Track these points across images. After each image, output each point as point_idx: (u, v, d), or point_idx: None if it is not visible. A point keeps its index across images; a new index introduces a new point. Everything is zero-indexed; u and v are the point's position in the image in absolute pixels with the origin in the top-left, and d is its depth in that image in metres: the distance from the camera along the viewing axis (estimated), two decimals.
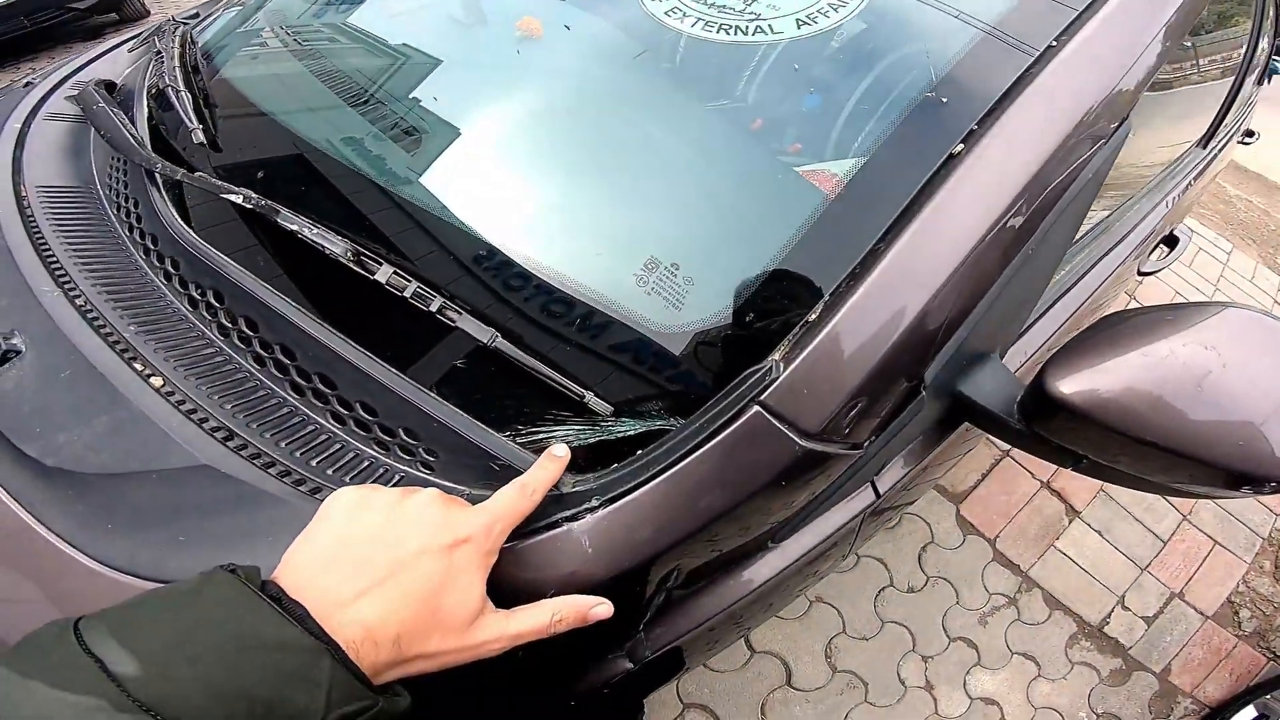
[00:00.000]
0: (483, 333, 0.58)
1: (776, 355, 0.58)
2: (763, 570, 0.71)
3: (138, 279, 0.76)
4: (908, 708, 1.87)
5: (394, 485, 0.59)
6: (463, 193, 0.72)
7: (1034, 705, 1.94)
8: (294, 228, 0.62)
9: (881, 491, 0.77)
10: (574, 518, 0.53)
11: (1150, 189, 1.37)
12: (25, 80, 1.15)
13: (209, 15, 1.17)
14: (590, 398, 0.58)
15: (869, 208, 0.64)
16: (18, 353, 0.65)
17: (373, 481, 0.59)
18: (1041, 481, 2.45)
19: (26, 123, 0.98)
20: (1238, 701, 1.96)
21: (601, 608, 0.46)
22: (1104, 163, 0.74)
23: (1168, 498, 2.51)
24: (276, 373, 0.67)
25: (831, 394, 0.56)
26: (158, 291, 0.74)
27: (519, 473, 0.52)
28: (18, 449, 0.60)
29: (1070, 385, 0.58)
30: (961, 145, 0.65)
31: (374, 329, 0.66)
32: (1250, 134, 2.32)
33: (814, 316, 0.59)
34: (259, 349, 0.68)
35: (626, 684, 0.67)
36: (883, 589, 2.07)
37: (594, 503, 0.54)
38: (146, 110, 0.90)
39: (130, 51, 1.17)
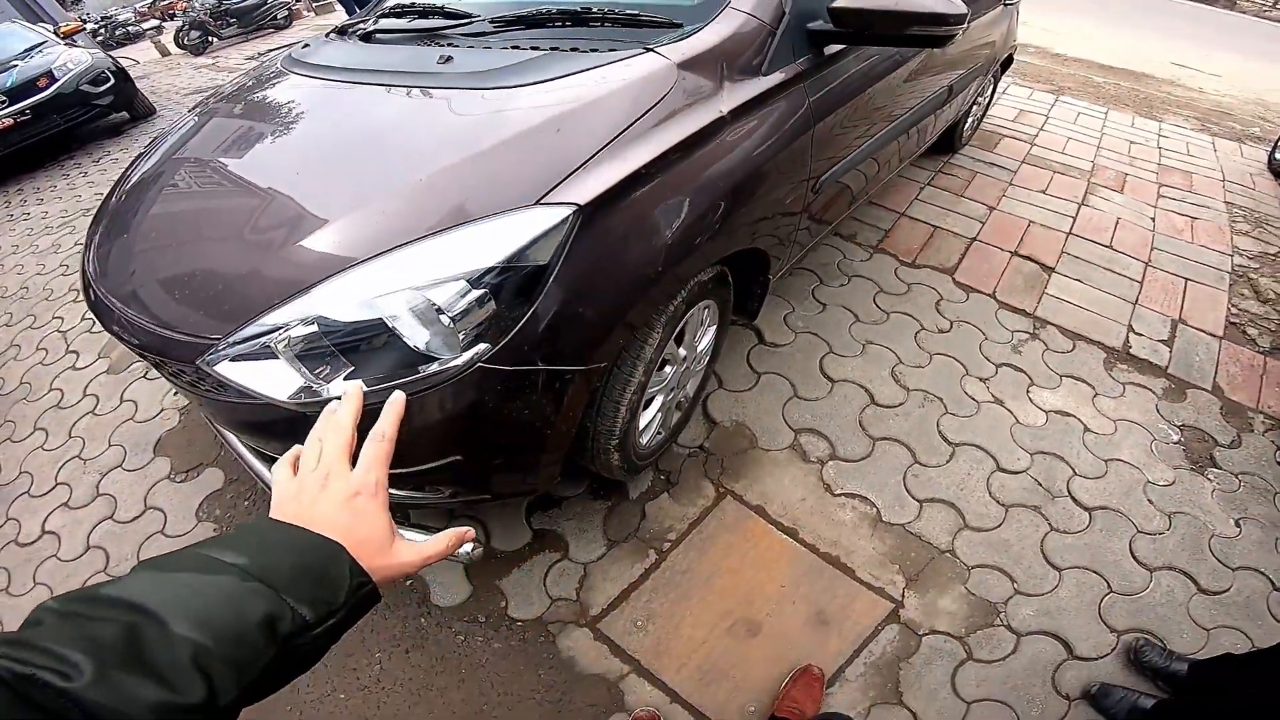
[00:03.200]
0: None
1: None
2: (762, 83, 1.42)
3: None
4: (988, 418, 2.06)
5: None
6: None
7: (1109, 418, 2.12)
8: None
9: (801, 67, 1.51)
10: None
11: None
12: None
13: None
14: None
15: None
16: (451, 58, 1.40)
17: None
18: (1011, 251, 2.87)
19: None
20: None
21: (470, 533, 0.64)
22: None
23: (1126, 253, 2.92)
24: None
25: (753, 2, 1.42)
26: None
27: None
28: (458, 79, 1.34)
29: (839, 1, 1.42)
30: None
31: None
32: None
33: None
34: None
35: None
36: (918, 332, 2.36)
37: None
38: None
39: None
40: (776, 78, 1.46)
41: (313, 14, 11.72)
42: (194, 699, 0.41)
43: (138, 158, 1.63)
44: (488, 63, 1.36)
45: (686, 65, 1.30)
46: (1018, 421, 2.05)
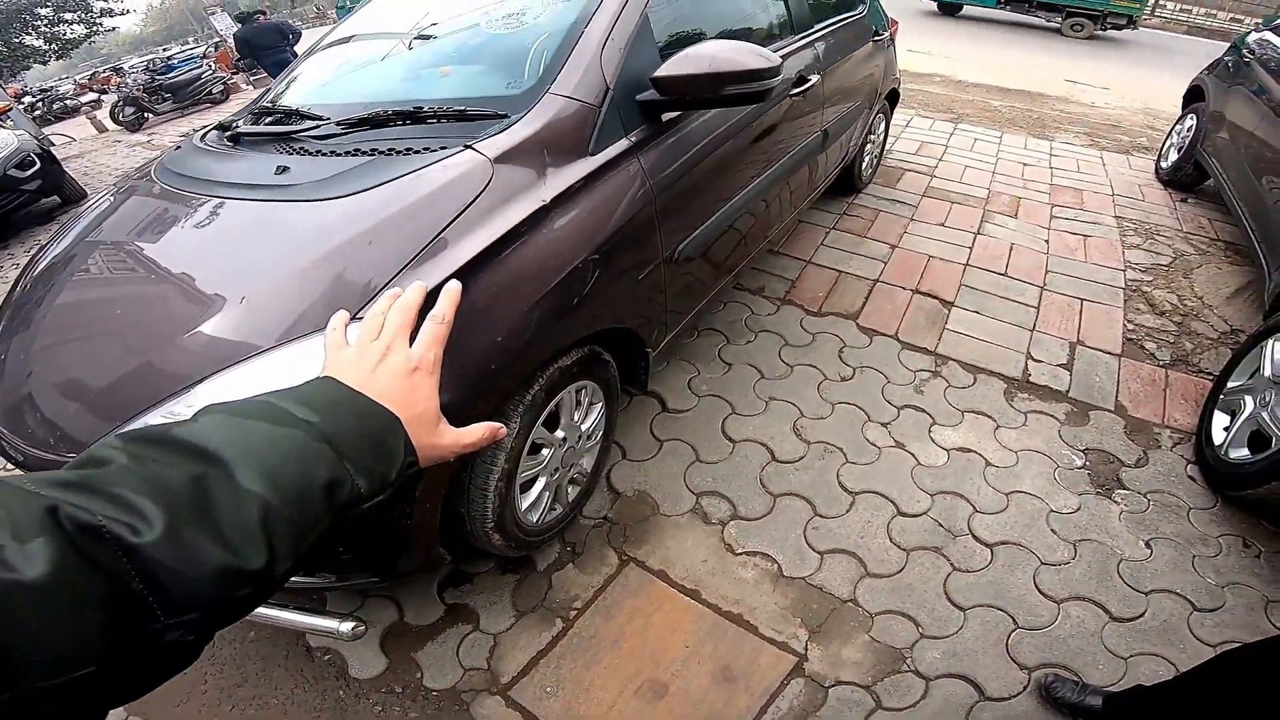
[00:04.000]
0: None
1: None
2: (588, 164, 1.48)
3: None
4: (890, 463, 2.12)
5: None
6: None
7: (1011, 450, 2.18)
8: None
9: (634, 139, 1.58)
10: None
11: None
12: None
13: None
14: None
15: None
16: (287, 168, 1.44)
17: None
18: (912, 289, 2.99)
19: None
20: (1204, 418, 2.19)
21: (502, 429, 0.66)
22: None
23: (1021, 279, 3.07)
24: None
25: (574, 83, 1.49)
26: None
27: None
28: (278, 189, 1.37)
29: (659, 71, 1.53)
30: None
31: None
32: (879, 34, 3.38)
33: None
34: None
35: None
36: (821, 383, 2.42)
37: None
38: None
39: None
40: (606, 155, 1.52)
41: (251, 88, 11.77)
42: (256, 565, 0.40)
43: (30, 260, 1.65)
44: (319, 172, 1.39)
45: (504, 158, 1.35)
46: (919, 463, 2.11)
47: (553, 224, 1.37)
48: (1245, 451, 1.99)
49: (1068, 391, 2.42)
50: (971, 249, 3.37)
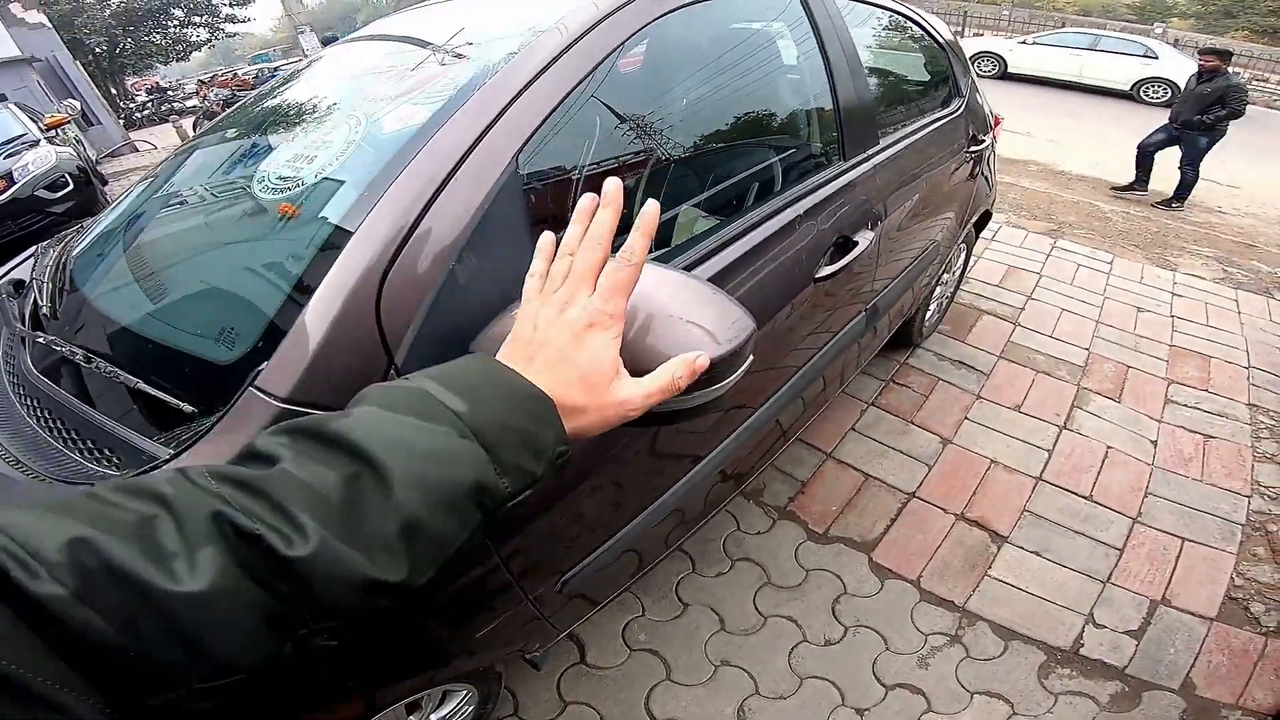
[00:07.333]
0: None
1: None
2: None
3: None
4: None
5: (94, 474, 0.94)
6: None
7: None
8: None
9: None
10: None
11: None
12: None
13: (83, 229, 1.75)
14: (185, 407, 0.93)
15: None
16: None
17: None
18: (956, 514, 2.49)
19: None
20: None
21: (703, 358, 0.61)
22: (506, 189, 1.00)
23: (1109, 506, 2.57)
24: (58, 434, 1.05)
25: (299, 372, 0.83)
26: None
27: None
28: None
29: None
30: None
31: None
32: (979, 140, 2.71)
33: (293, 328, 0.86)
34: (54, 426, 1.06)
35: None
36: (796, 646, 2.03)
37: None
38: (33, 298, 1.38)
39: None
40: None
41: None
42: (395, 578, 0.43)
43: None
44: None
45: None
46: None
47: None
48: None
49: (1125, 668, 1.98)
50: (1051, 452, 2.81)
